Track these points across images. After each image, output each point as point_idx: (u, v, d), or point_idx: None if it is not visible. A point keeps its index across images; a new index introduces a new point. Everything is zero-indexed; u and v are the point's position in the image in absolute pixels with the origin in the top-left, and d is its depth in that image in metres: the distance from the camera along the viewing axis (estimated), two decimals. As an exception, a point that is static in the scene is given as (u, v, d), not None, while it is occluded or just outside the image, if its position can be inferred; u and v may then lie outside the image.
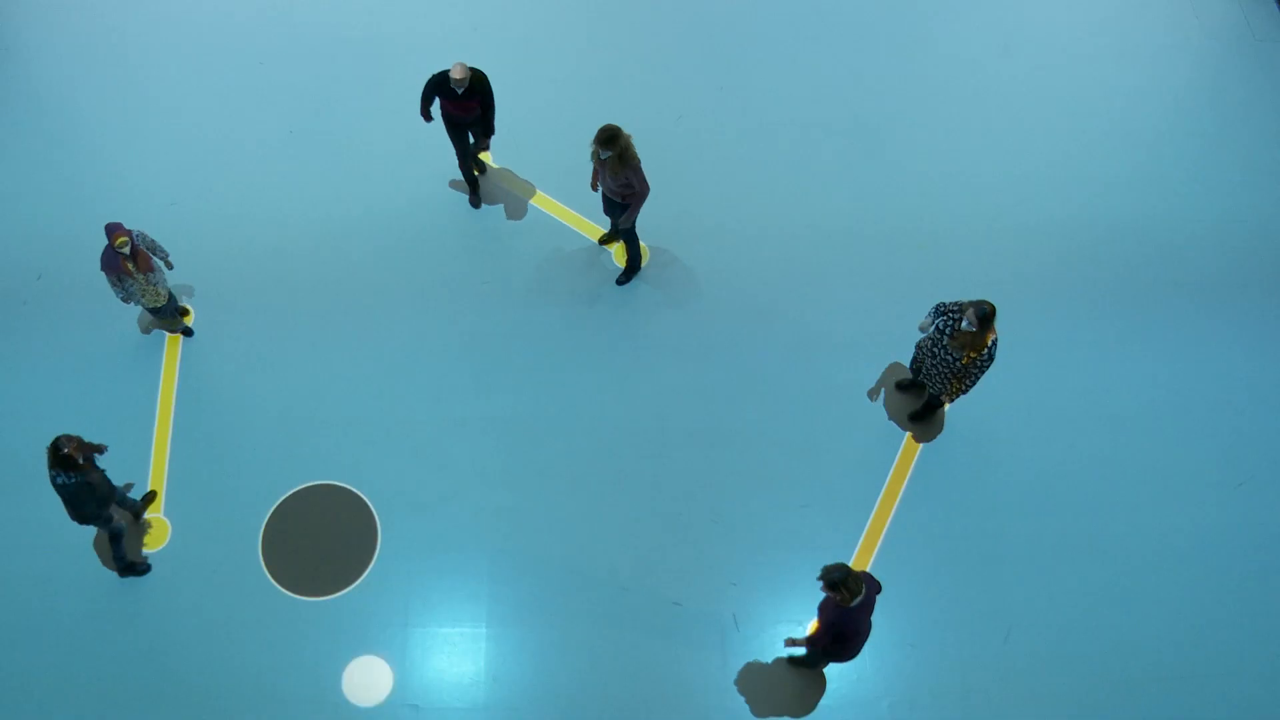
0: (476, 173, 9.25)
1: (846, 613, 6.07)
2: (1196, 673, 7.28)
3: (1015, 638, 7.39)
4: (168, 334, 8.63)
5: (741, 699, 7.23)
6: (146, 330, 8.64)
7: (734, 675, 7.30)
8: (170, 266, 8.08)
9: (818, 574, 6.02)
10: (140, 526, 7.76)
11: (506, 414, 8.25)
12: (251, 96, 9.97)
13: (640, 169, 7.84)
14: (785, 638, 6.83)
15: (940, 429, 8.14)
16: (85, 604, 7.53)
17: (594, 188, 8.34)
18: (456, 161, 8.99)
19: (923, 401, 8.10)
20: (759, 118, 9.80)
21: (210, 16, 10.51)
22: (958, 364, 7.06)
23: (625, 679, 7.28)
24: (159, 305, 8.05)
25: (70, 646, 7.40)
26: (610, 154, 7.65)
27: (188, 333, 8.62)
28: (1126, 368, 8.44)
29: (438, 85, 8.28)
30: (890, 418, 8.20)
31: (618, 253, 9.00)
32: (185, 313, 8.72)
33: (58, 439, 6.57)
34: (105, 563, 7.64)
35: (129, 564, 7.53)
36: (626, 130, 7.68)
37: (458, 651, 7.40)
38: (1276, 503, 7.88)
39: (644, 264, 8.92)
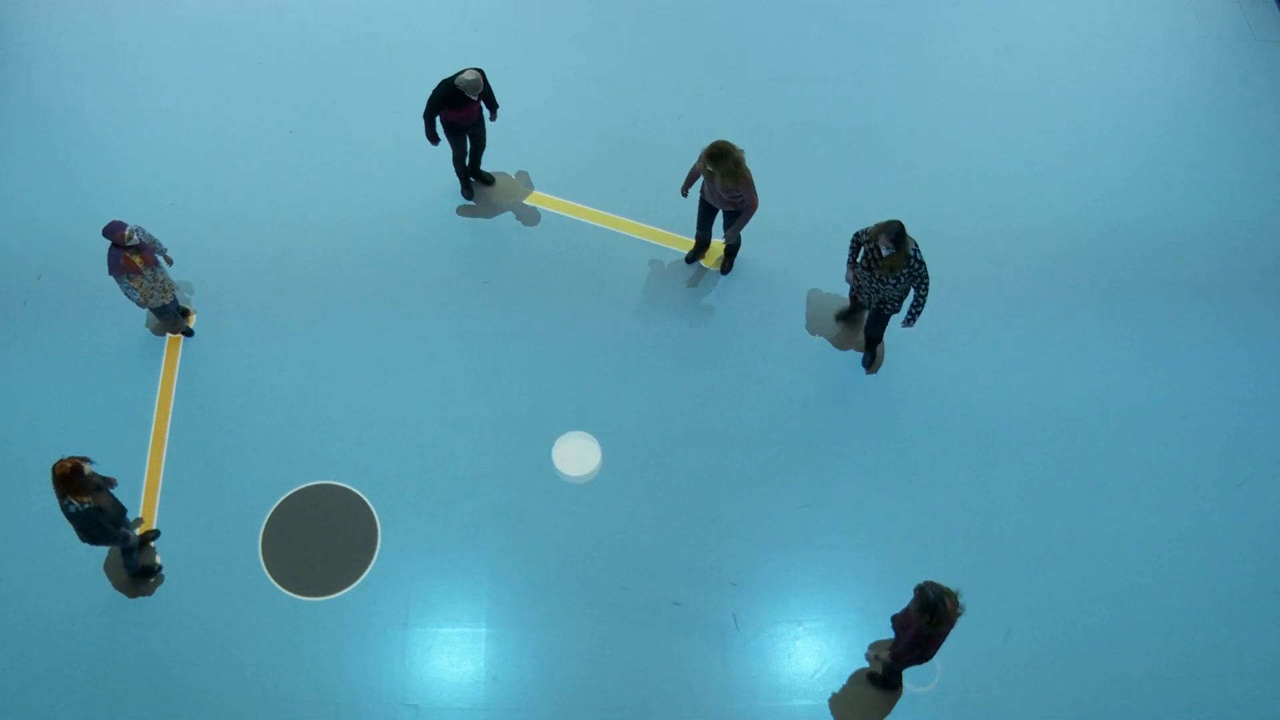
0: (486, 184, 9.31)
1: (924, 635, 6.06)
2: (1197, 672, 7.28)
3: (1015, 638, 7.39)
4: (168, 334, 8.63)
5: (741, 699, 7.23)
6: (159, 332, 8.64)
7: (734, 675, 7.30)
8: (170, 261, 8.09)
9: (919, 584, 5.96)
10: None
11: (506, 414, 8.26)
12: (252, 97, 9.98)
13: (752, 184, 7.79)
14: (870, 646, 6.89)
15: (882, 359, 8.46)
16: (85, 604, 7.52)
17: (684, 193, 8.29)
18: (452, 157, 8.99)
19: (868, 332, 8.36)
20: (759, 117, 9.80)
21: (210, 17, 10.51)
22: (899, 284, 7.34)
23: (625, 679, 7.28)
24: (165, 302, 8.06)
25: (70, 647, 7.39)
26: (720, 169, 7.58)
27: (188, 333, 8.63)
28: (1127, 367, 8.44)
29: (443, 98, 8.22)
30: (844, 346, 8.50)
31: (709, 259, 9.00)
32: (187, 313, 8.72)
33: (59, 461, 6.50)
34: (115, 581, 7.57)
35: (142, 569, 7.52)
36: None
37: (458, 651, 7.40)
38: (1277, 503, 7.88)
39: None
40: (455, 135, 8.68)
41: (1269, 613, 7.47)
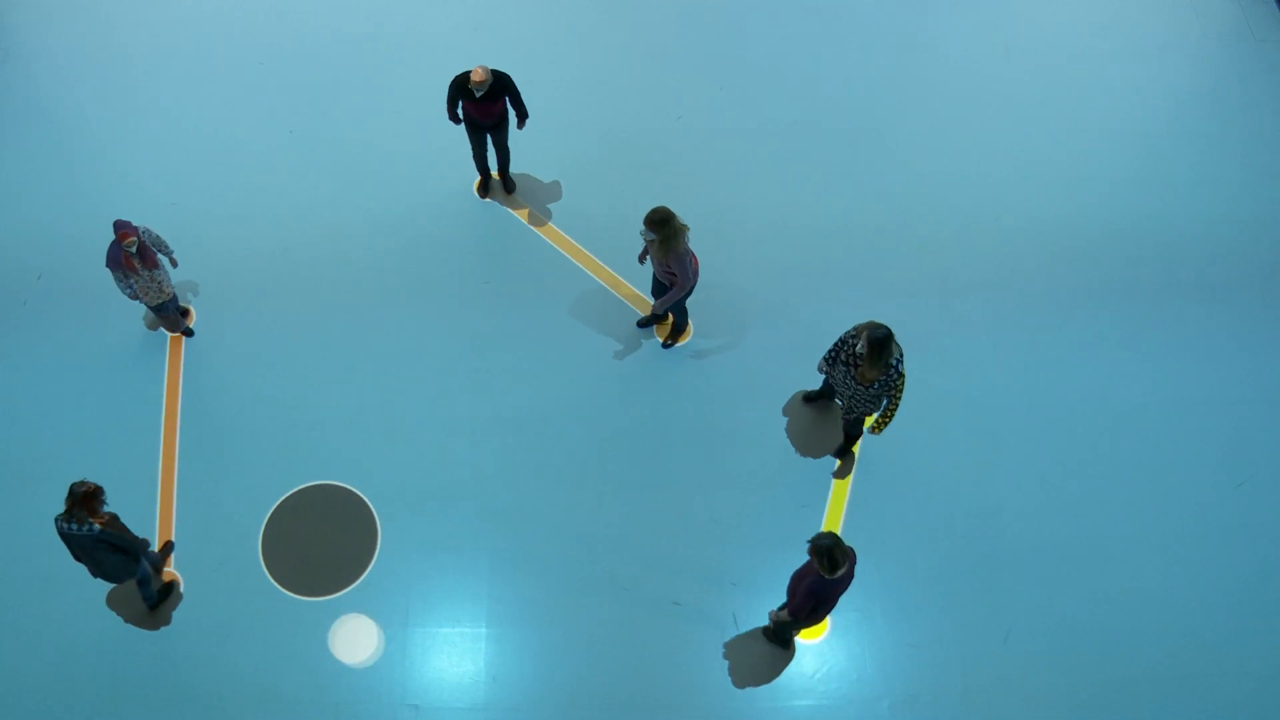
0: (506, 191, 9.31)
1: (827, 582, 6.11)
2: (1196, 673, 7.28)
3: (1015, 638, 7.40)
4: (169, 334, 8.64)
5: (742, 699, 7.23)
6: (153, 327, 8.65)
7: (734, 675, 7.30)
8: (175, 264, 8.10)
9: (808, 538, 6.02)
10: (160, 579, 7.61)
11: (506, 414, 8.26)
12: (252, 97, 9.98)
13: (685, 261, 7.48)
14: (770, 611, 6.85)
15: (853, 464, 8.02)
16: (85, 604, 7.53)
17: (641, 261, 8.08)
18: (471, 153, 9.01)
19: (842, 439, 8.00)
20: (759, 118, 9.81)
21: (211, 17, 10.51)
22: (872, 390, 6.96)
23: (625, 679, 7.28)
24: (162, 302, 8.07)
25: (70, 647, 7.39)
26: (655, 237, 7.36)
27: (188, 333, 8.63)
28: (1127, 367, 8.44)
29: (460, 87, 8.30)
30: (806, 453, 8.06)
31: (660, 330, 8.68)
32: (186, 312, 8.72)
33: (78, 482, 6.35)
34: (127, 615, 7.49)
35: (158, 595, 7.43)
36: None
37: (458, 651, 7.40)
38: (1277, 503, 7.88)
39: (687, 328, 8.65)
40: (472, 131, 8.71)
41: (1269, 613, 7.47)
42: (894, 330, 8.43)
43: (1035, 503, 7.88)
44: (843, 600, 7.51)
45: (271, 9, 10.56)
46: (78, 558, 6.69)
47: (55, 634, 7.44)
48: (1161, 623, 7.44)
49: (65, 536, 6.49)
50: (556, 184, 9.45)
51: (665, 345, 8.56)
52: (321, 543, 7.77)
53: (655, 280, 8.08)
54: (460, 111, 8.60)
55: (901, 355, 6.81)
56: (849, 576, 6.22)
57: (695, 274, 7.71)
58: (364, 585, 7.62)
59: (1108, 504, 7.87)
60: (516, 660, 7.36)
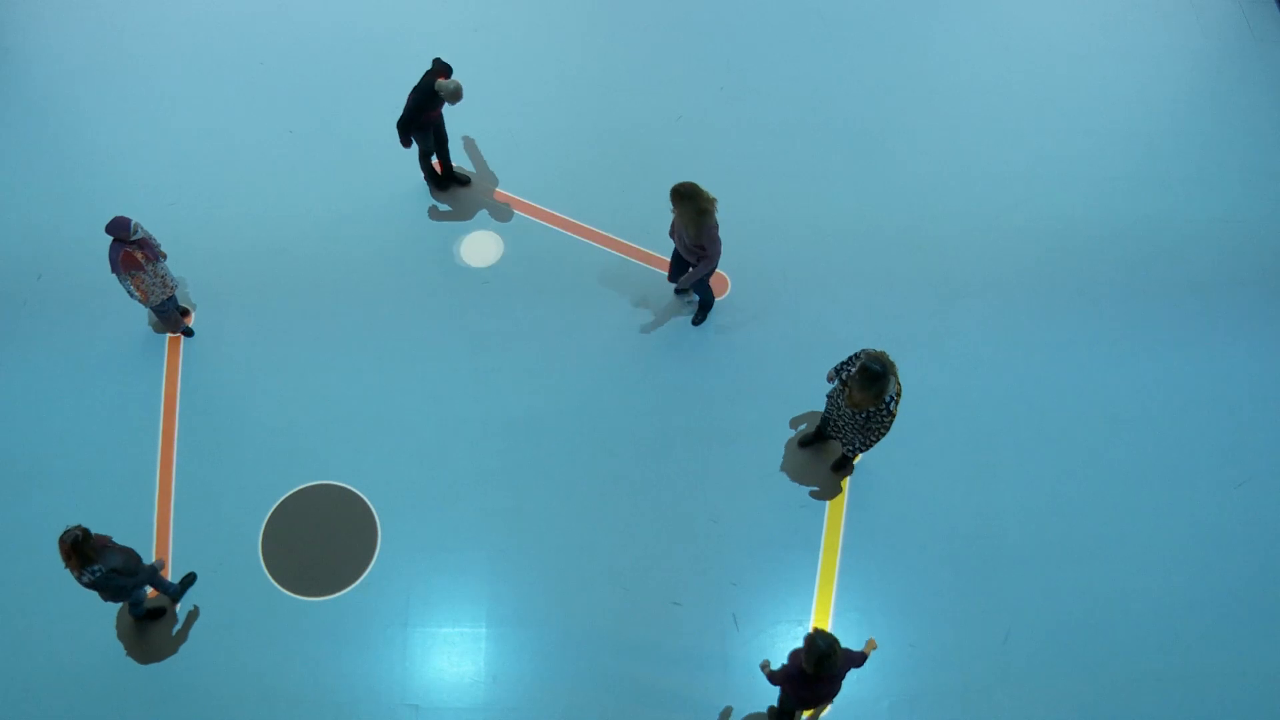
0: (463, 185, 9.35)
1: (802, 673, 5.96)
2: (1196, 673, 7.28)
3: (1015, 638, 7.40)
4: (168, 334, 8.64)
5: (742, 699, 7.23)
6: (160, 331, 8.64)
7: (734, 675, 7.30)
8: (164, 256, 8.08)
9: (810, 631, 5.83)
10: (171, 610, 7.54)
11: (507, 414, 8.26)
12: (251, 96, 9.98)
13: (716, 238, 7.50)
14: (762, 661, 6.73)
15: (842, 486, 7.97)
16: (85, 604, 7.53)
17: (672, 235, 8.02)
18: (420, 154, 9.02)
19: (837, 455, 7.95)
20: (759, 118, 9.81)
21: (210, 16, 10.51)
22: (859, 417, 6.82)
23: (625, 679, 7.28)
24: (164, 300, 8.06)
25: (70, 646, 7.40)
26: (683, 210, 7.30)
27: (188, 333, 8.63)
28: (1126, 367, 8.44)
29: (424, 106, 8.27)
30: (803, 481, 7.98)
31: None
32: (186, 312, 8.72)
33: (65, 532, 6.33)
34: (122, 633, 7.45)
35: (148, 612, 7.41)
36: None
37: (458, 651, 7.40)
38: (1277, 502, 7.88)
39: (714, 300, 8.63)
40: (425, 131, 8.73)
41: (1269, 613, 7.47)
42: (894, 330, 8.52)
43: (1035, 503, 7.88)
44: (843, 600, 7.52)
45: (272, 8, 10.56)
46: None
47: (55, 633, 7.44)
48: (1161, 623, 7.44)
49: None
50: (554, 184, 9.44)
51: (694, 323, 8.64)
52: (321, 543, 7.77)
53: (675, 255, 8.09)
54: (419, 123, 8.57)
55: (898, 394, 6.64)
56: (827, 688, 5.98)
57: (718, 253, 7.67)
58: (364, 585, 7.63)
59: (1107, 504, 7.87)
60: (516, 660, 7.36)
